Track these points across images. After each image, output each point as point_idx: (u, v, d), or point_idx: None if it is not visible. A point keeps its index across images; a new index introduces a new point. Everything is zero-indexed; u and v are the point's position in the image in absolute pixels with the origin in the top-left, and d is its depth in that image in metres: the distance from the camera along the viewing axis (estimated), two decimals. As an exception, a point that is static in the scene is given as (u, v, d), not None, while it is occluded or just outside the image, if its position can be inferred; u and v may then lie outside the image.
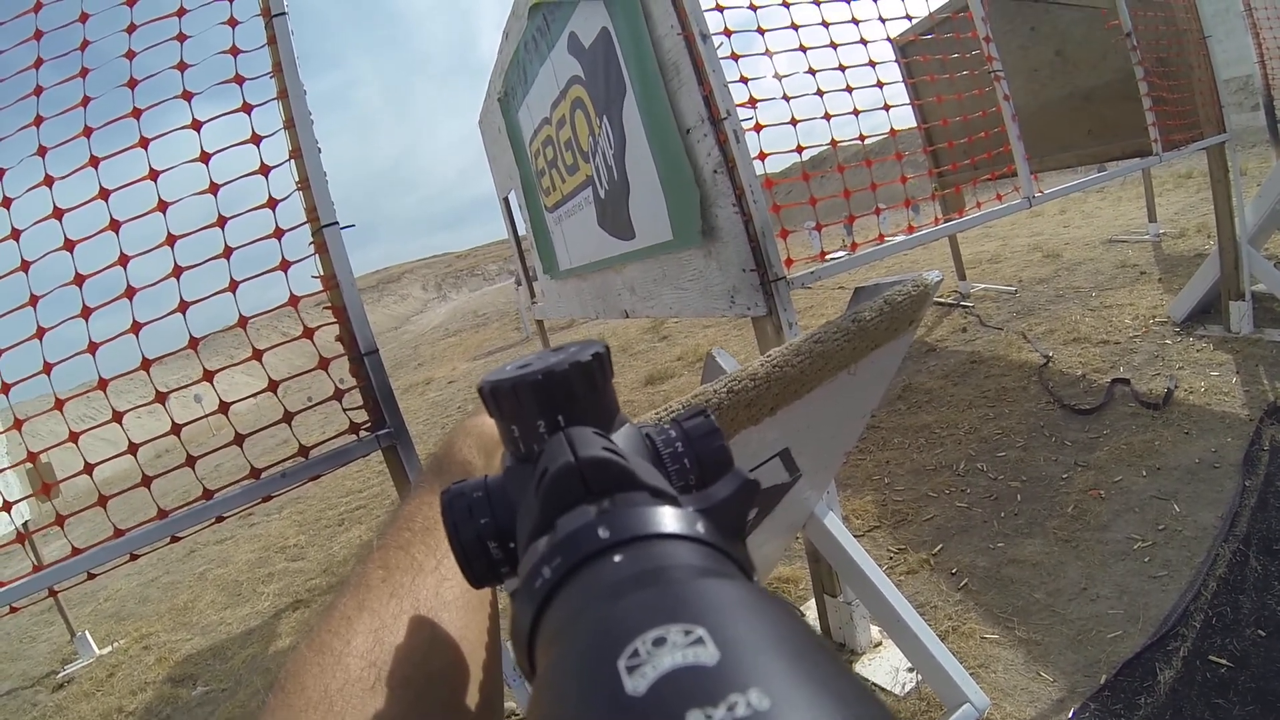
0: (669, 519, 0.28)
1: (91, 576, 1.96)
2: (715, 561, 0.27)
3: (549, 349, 0.41)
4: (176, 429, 2.10)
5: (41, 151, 2.05)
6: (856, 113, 2.97)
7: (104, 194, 2.02)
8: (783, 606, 0.22)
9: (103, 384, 2.03)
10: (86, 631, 5.35)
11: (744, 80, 2.60)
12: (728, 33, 2.57)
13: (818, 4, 2.95)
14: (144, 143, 2.07)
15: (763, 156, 2.55)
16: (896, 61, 6.00)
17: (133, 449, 2.02)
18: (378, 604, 0.48)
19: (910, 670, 2.60)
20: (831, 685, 0.18)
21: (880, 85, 3.09)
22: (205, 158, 2.08)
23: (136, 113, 2.09)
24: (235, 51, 2.16)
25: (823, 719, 0.17)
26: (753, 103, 2.58)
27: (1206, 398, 4.09)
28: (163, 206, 2.05)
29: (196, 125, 2.10)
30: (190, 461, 2.06)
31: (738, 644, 0.19)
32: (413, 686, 0.44)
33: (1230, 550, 2.80)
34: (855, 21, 3.08)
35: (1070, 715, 2.28)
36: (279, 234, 2.10)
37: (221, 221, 2.06)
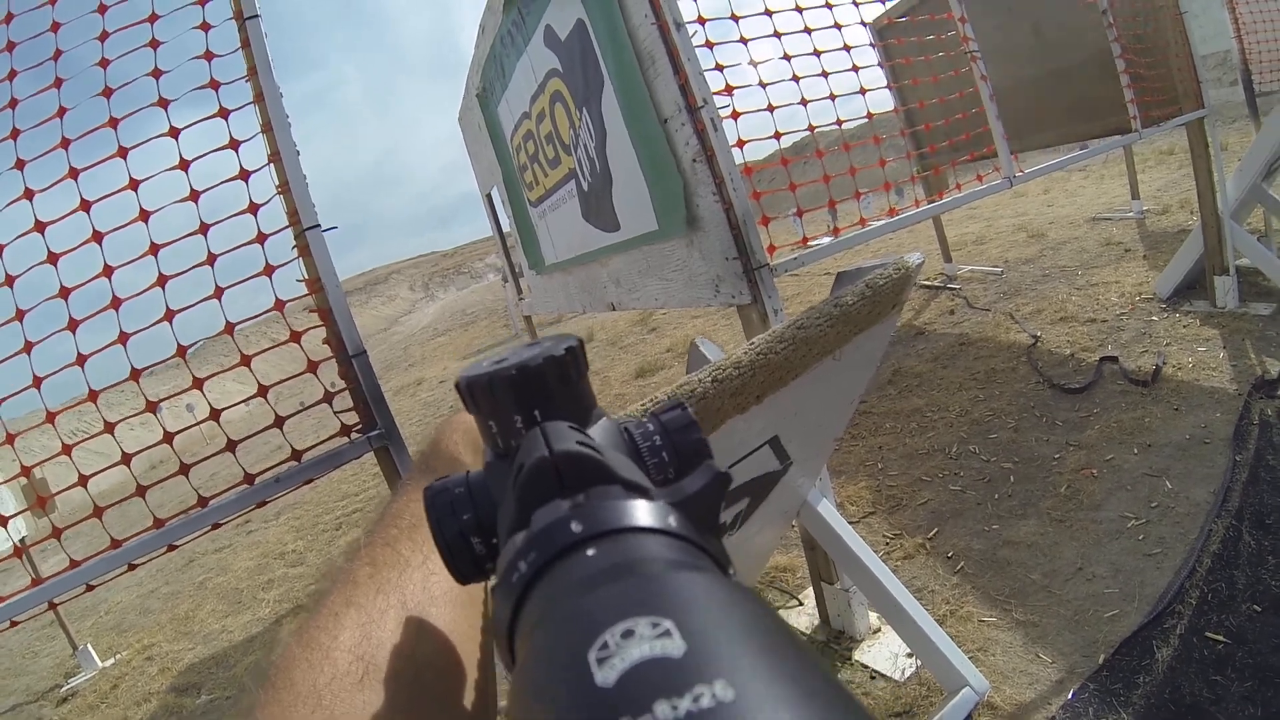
0: (641, 512, 0.29)
1: (90, 588, 1.95)
2: (687, 554, 0.27)
3: (524, 344, 0.41)
4: (169, 438, 2.09)
5: (20, 165, 2.04)
6: (834, 97, 2.97)
7: (85, 205, 2.01)
8: (752, 599, 0.22)
9: (93, 396, 2.02)
10: (89, 644, 5.34)
11: (720, 68, 2.60)
12: (701, 20, 2.57)
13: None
14: (122, 152, 2.06)
15: (741, 144, 2.56)
16: (873, 45, 5.99)
17: (126, 460, 2.01)
18: (365, 600, 0.48)
19: (909, 655, 2.61)
20: (798, 677, 0.18)
21: (856, 69, 3.09)
22: (184, 165, 2.07)
23: (113, 122, 2.07)
24: (210, 56, 2.15)
25: (787, 710, 0.17)
26: (729, 90, 2.58)
27: (1194, 373, 4.12)
28: (144, 216, 2.04)
29: (174, 133, 2.09)
30: (184, 470, 2.06)
31: (704, 636, 0.19)
32: (402, 679, 0.44)
33: (1223, 526, 2.82)
34: (829, 5, 3.08)
35: (1070, 696, 2.30)
36: (262, 239, 2.09)
37: (204, 229, 2.05)
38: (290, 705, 0.41)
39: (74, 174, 2.03)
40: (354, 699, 0.42)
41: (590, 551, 0.27)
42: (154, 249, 2.03)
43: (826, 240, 2.76)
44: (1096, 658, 2.41)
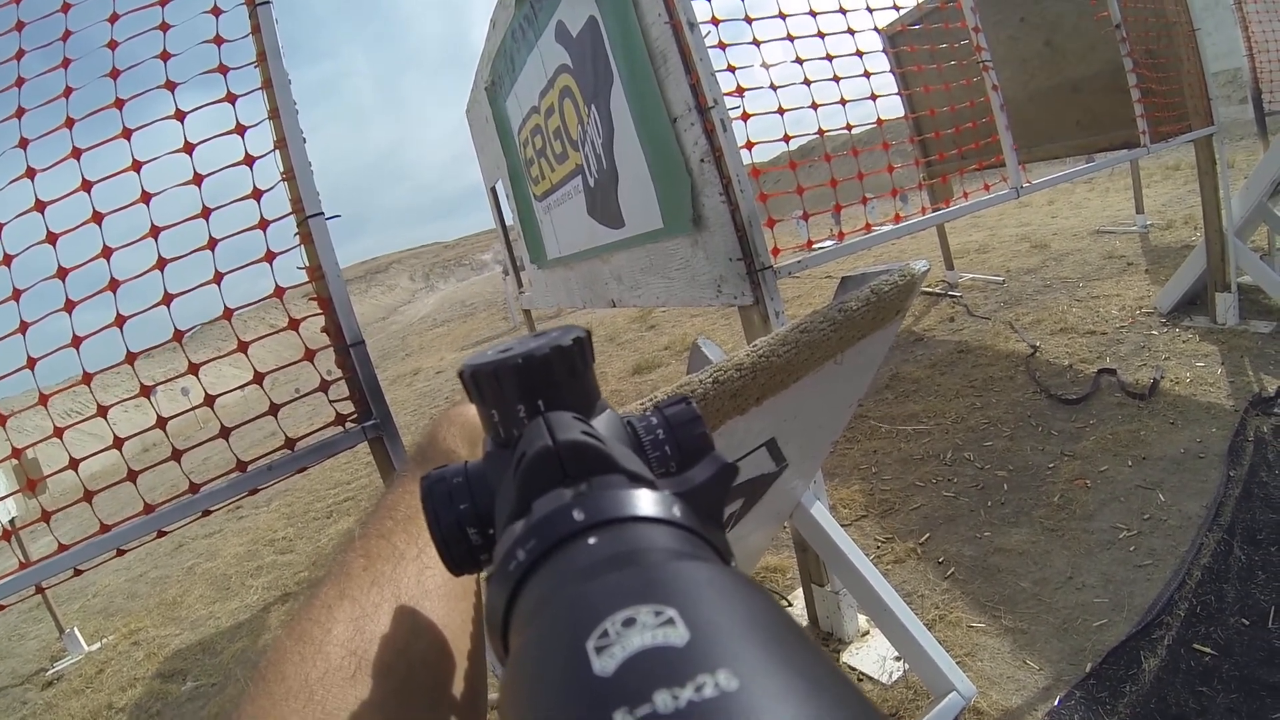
0: (645, 502, 0.28)
1: (79, 572, 1.94)
2: (690, 545, 0.27)
3: (530, 334, 0.41)
4: (162, 422, 2.08)
5: (23, 143, 2.03)
6: (844, 102, 2.97)
7: (86, 186, 2.00)
8: (756, 590, 0.22)
9: (87, 378, 2.01)
10: (75, 628, 5.31)
11: (731, 69, 2.60)
12: (715, 21, 2.56)
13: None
14: (127, 134, 2.05)
15: (750, 145, 2.55)
16: (884, 51, 5.99)
17: (119, 443, 2.00)
18: (358, 592, 0.47)
19: (897, 659, 2.61)
20: (803, 668, 0.18)
21: (868, 75, 3.09)
22: (189, 148, 2.06)
23: (119, 103, 2.06)
24: (219, 41, 2.14)
25: (792, 701, 0.16)
26: (740, 91, 2.58)
27: (1192, 388, 4.12)
28: (146, 198, 2.03)
29: (180, 116, 2.08)
30: (176, 455, 2.05)
31: (708, 625, 0.19)
32: (395, 674, 0.43)
33: (1215, 540, 2.82)
34: (843, 11, 3.08)
35: (1056, 703, 2.30)
36: (264, 225, 2.09)
37: (206, 213, 2.04)
38: (281, 699, 0.41)
39: (77, 154, 2.02)
40: (346, 694, 0.41)
41: (592, 540, 0.26)
42: (154, 231, 2.02)
43: (830, 244, 2.76)
44: (1084, 666, 2.41)
